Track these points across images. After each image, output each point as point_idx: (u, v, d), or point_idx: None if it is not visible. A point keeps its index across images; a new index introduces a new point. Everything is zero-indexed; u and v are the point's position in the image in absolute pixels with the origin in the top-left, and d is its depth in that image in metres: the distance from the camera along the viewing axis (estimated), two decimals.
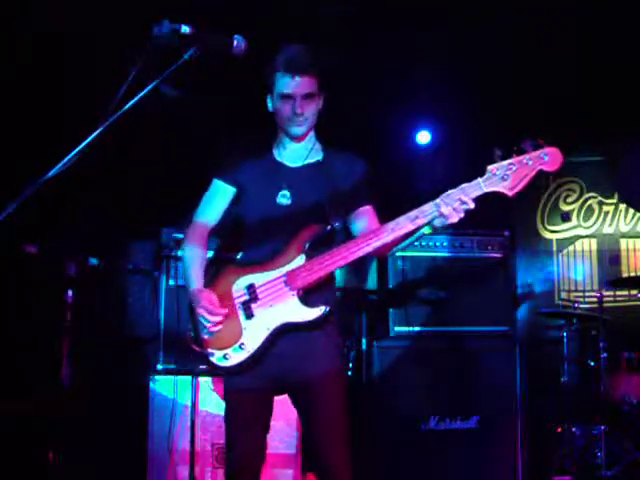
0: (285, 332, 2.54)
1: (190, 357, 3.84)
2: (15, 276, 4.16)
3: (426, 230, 2.55)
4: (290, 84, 2.57)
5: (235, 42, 2.13)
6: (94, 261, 4.08)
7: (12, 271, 4.11)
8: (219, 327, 2.53)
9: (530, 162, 2.40)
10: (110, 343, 4.51)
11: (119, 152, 4.08)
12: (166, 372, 3.99)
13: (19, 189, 1.85)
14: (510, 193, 2.41)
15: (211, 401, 3.87)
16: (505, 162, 2.41)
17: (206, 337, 2.56)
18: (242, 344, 2.53)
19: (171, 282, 4.12)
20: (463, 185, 2.41)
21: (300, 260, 2.55)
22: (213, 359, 2.55)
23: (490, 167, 2.41)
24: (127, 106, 1.92)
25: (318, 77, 2.62)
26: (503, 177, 2.40)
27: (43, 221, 3.90)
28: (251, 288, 2.56)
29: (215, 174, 2.74)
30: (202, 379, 3.89)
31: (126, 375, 4.51)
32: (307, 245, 2.56)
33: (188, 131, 4.65)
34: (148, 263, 4.44)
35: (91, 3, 3.81)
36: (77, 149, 1.89)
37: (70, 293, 3.88)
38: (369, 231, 2.56)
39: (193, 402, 3.84)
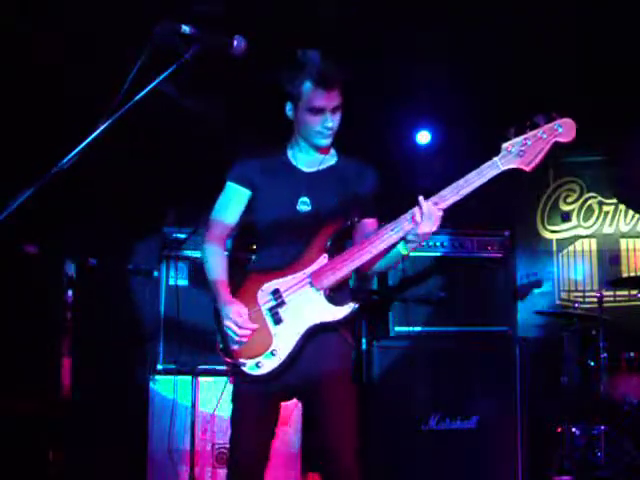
0: (313, 335, 2.52)
1: (190, 357, 3.87)
2: (15, 276, 4.16)
3: (402, 250, 2.54)
4: (322, 98, 2.53)
5: (235, 42, 2.13)
6: (94, 261, 4.09)
7: (12, 271, 4.11)
8: (247, 337, 2.52)
9: (545, 135, 2.40)
10: (110, 343, 4.50)
11: (119, 152, 4.08)
12: (166, 372, 3.99)
13: (19, 189, 1.85)
14: (527, 168, 2.40)
15: (211, 401, 3.87)
16: (519, 138, 2.41)
17: (235, 347, 2.54)
18: (274, 350, 2.51)
19: (171, 282, 4.12)
20: (481, 166, 2.42)
21: (323, 260, 2.54)
22: (245, 368, 2.52)
23: (505, 145, 2.41)
24: (127, 106, 1.92)
25: (342, 89, 2.60)
26: (519, 153, 2.40)
27: (43, 221, 3.89)
28: (277, 293, 2.55)
29: (229, 177, 2.70)
30: (202, 379, 3.89)
31: (126, 375, 4.51)
32: (329, 243, 2.55)
33: (188, 131, 4.65)
34: (148, 263, 4.44)
35: (91, 3, 3.80)
36: (77, 149, 1.89)
37: (70, 293, 3.89)
38: (390, 223, 2.53)
39: (193, 402, 3.84)
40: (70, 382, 3.97)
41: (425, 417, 4.13)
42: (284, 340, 2.52)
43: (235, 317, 2.49)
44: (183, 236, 4.10)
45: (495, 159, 2.41)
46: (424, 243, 4.24)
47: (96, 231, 4.54)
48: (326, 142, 2.63)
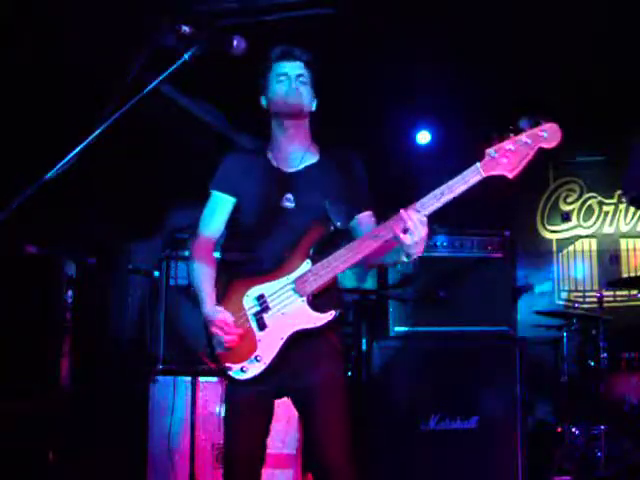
0: (297, 339, 2.53)
1: (190, 357, 3.86)
2: (15, 276, 4.16)
3: (404, 258, 2.49)
4: (285, 65, 2.67)
5: (235, 42, 2.14)
6: (94, 261, 4.09)
7: (12, 271, 4.11)
8: (233, 342, 2.54)
9: (529, 141, 2.31)
10: (110, 343, 4.51)
11: (119, 152, 4.08)
12: (166, 372, 3.99)
13: (19, 189, 1.85)
14: (510, 175, 2.31)
15: (210, 401, 3.86)
16: (503, 143, 2.32)
17: (221, 352, 2.57)
18: (258, 356, 2.53)
19: (171, 282, 4.12)
20: (463, 172, 2.35)
21: (306, 265, 2.54)
22: (230, 373, 2.55)
23: (488, 150, 2.33)
24: (127, 106, 1.92)
25: (309, 69, 2.69)
26: (502, 159, 2.31)
27: (43, 221, 3.89)
28: (261, 299, 2.56)
29: (212, 186, 2.75)
30: (202, 379, 3.89)
31: (126, 375, 4.51)
32: (312, 250, 2.55)
33: (188, 131, 4.65)
34: (148, 263, 4.44)
35: (91, 3, 3.80)
36: (77, 149, 1.89)
37: (70, 293, 3.89)
38: (371, 231, 2.54)
39: (193, 402, 3.84)
40: (70, 382, 3.98)
41: (425, 417, 4.13)
42: (268, 346, 2.53)
43: (221, 324, 2.52)
44: (183, 236, 4.10)
45: (477, 165, 2.33)
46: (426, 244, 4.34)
47: (96, 231, 4.54)
48: (298, 105, 2.65)
